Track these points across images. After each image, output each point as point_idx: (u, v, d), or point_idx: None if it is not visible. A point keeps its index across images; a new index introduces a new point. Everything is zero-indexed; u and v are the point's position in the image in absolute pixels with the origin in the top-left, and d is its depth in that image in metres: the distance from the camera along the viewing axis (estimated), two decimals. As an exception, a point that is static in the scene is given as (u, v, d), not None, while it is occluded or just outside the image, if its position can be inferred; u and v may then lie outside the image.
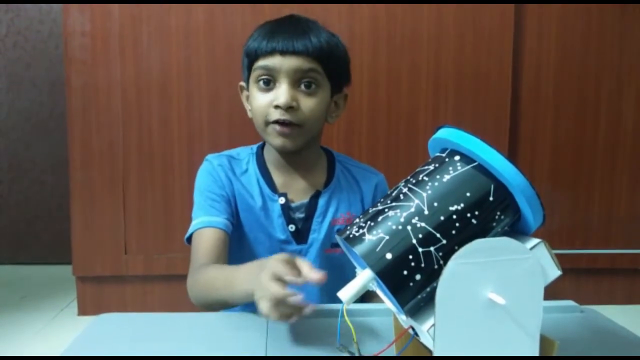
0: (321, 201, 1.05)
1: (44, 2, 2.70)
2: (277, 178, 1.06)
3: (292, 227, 1.04)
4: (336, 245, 1.05)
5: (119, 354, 0.66)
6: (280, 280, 0.66)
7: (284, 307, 0.66)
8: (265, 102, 0.97)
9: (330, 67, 0.99)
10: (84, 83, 1.95)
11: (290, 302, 0.65)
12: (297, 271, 0.68)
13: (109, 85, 1.95)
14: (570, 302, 0.83)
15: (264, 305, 0.67)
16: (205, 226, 1.00)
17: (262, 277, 0.69)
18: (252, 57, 0.99)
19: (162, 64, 1.95)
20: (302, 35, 0.96)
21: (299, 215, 1.05)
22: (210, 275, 0.91)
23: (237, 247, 1.05)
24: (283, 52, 0.95)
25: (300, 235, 1.04)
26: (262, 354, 0.65)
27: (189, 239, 1.02)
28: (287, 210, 1.04)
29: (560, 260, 0.57)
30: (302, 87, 0.97)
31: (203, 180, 1.05)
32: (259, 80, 0.98)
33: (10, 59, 2.73)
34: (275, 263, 0.69)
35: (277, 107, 0.95)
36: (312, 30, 0.97)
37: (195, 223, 1.02)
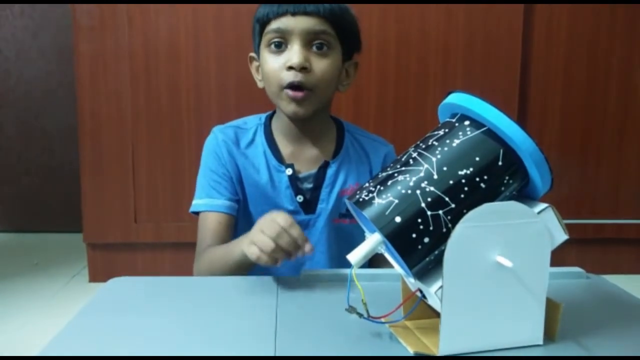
0: (329, 171, 1.05)
1: (50, 2, 2.69)
2: (285, 148, 1.06)
3: (300, 198, 1.04)
4: (344, 215, 1.06)
5: (131, 317, 0.67)
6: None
7: (274, 251, 0.75)
8: (277, 65, 0.96)
9: (342, 30, 0.99)
10: (92, 50, 1.95)
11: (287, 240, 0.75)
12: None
13: (117, 53, 1.95)
14: (576, 269, 0.84)
15: (252, 250, 0.77)
16: (208, 210, 1.03)
17: (262, 219, 0.80)
18: (263, 22, 0.98)
19: (170, 31, 1.94)
20: None
21: (307, 185, 1.05)
22: (211, 254, 0.97)
23: (245, 221, 1.06)
24: (294, 13, 0.94)
25: (309, 206, 1.05)
26: (272, 315, 0.67)
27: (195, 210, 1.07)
28: (294, 181, 1.04)
29: (567, 229, 0.58)
30: (314, 48, 0.96)
31: (207, 159, 1.07)
32: (271, 44, 0.97)
33: (17, 27, 2.72)
34: (279, 213, 0.79)
35: (290, 68, 0.95)
36: None
37: (198, 203, 1.05)
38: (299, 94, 0.96)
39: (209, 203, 1.03)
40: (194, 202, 1.06)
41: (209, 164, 1.06)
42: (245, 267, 0.88)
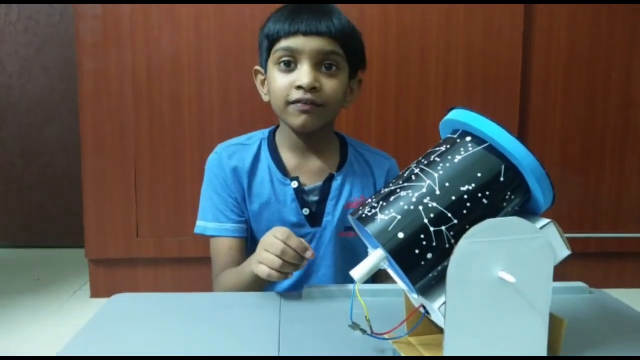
0: (335, 184, 1.05)
1: (52, 2, 2.71)
2: (290, 161, 1.06)
3: (306, 211, 1.04)
4: (350, 228, 1.06)
5: (134, 334, 0.67)
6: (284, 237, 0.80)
7: (283, 267, 0.79)
8: (286, 83, 0.97)
9: (351, 50, 1.00)
10: (96, 67, 1.96)
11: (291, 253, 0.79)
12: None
13: (120, 69, 1.96)
14: (579, 284, 0.84)
15: (262, 269, 0.80)
16: (218, 235, 1.04)
17: (264, 238, 0.83)
18: (273, 39, 0.99)
19: (172, 48, 1.96)
20: (325, 17, 0.96)
21: (313, 198, 1.05)
22: (226, 279, 0.99)
23: (251, 238, 1.06)
24: (306, 33, 0.95)
25: (315, 219, 1.05)
26: (275, 332, 0.67)
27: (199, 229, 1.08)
28: (300, 194, 1.04)
29: (570, 244, 0.58)
30: (324, 69, 0.97)
31: (211, 180, 1.06)
32: (280, 62, 0.98)
33: (21, 44, 2.74)
34: (278, 229, 0.83)
35: (299, 87, 0.95)
36: (334, 14, 0.98)
37: (207, 227, 1.05)
38: (308, 107, 0.96)
39: (218, 228, 1.04)
40: (201, 223, 1.06)
41: (214, 186, 1.06)
42: (260, 286, 0.90)
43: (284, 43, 0.97)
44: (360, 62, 1.06)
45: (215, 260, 1.05)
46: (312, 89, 0.95)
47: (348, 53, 0.99)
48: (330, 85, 0.97)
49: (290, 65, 0.97)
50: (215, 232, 1.04)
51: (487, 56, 2.02)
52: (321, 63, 0.97)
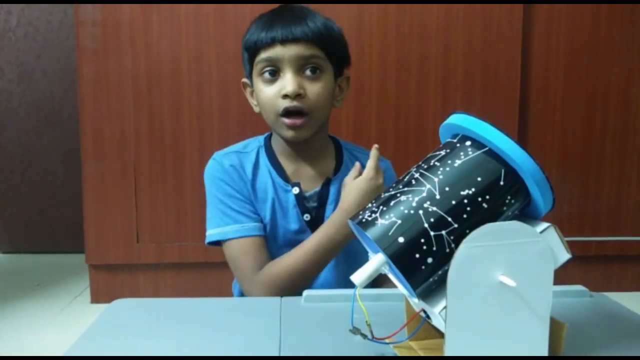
0: (332, 189, 1.06)
1: (55, 2, 2.72)
2: (288, 167, 1.07)
3: (307, 217, 1.04)
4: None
5: (135, 339, 0.67)
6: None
7: None
8: (272, 93, 0.98)
9: (331, 50, 1.00)
10: (95, 73, 1.96)
11: None
12: None
13: (120, 75, 1.96)
14: (579, 287, 0.84)
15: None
16: (241, 235, 1.01)
17: (357, 184, 0.97)
18: (252, 51, 1.00)
19: (172, 54, 1.96)
20: (299, 22, 0.97)
21: (312, 204, 1.05)
22: (286, 259, 0.97)
23: None
24: (283, 41, 0.96)
25: (315, 224, 1.04)
26: (276, 337, 0.67)
27: (211, 241, 1.04)
28: (301, 199, 1.04)
29: (570, 247, 0.58)
30: (307, 72, 0.98)
31: (219, 186, 1.04)
32: (263, 73, 0.99)
33: (21, 50, 2.75)
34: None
35: (285, 96, 0.96)
36: (308, 16, 0.98)
37: (225, 231, 1.02)
38: (297, 121, 0.97)
39: (239, 229, 1.01)
40: (215, 231, 1.03)
41: (224, 190, 1.04)
42: (337, 250, 0.95)
43: (263, 54, 0.98)
44: (344, 60, 1.06)
45: (242, 261, 1.00)
46: (297, 96, 0.96)
47: (329, 53, 1.00)
48: (314, 89, 0.98)
49: (273, 74, 0.98)
50: (238, 234, 1.01)
51: (486, 57, 2.03)
52: (303, 68, 0.97)
